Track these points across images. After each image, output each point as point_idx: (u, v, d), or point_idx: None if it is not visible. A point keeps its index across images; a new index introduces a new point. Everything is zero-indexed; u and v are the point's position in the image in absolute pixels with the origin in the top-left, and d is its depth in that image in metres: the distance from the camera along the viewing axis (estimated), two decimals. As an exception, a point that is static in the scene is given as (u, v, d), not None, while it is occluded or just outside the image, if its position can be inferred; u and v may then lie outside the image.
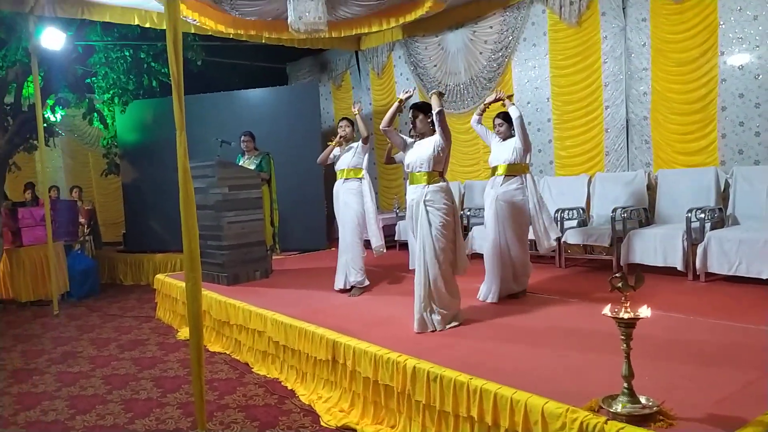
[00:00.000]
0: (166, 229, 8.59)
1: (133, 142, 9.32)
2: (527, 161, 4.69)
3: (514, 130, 4.60)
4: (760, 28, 5.09)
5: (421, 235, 3.86)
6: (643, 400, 2.34)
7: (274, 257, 6.90)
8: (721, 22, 5.31)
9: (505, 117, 4.70)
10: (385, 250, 5.28)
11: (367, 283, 5.24)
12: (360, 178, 5.22)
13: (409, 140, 4.14)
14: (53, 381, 4.49)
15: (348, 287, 5.20)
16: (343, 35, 7.80)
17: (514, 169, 4.61)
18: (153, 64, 9.00)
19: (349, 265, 5.18)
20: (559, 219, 5.86)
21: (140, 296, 7.73)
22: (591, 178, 6.32)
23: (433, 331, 3.80)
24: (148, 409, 3.79)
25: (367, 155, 5.29)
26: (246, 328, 4.73)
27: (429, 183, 3.88)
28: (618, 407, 2.31)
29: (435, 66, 8.29)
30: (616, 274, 2.42)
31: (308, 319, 4.17)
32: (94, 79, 9.17)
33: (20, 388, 4.37)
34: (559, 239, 5.78)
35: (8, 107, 7.99)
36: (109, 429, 3.52)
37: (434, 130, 3.94)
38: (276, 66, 11.35)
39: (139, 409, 3.81)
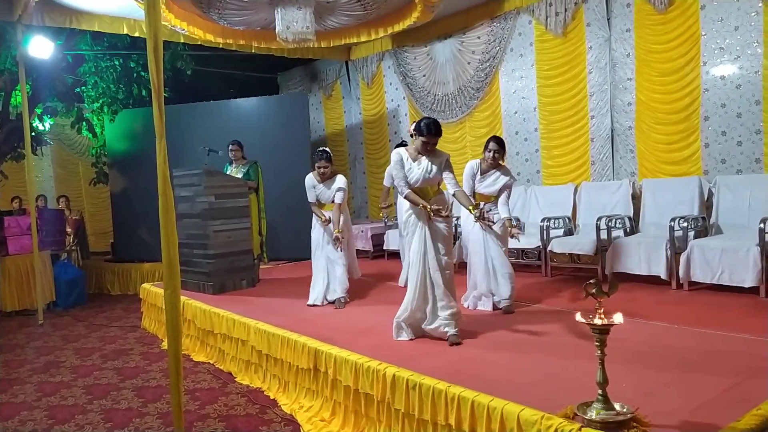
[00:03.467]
0: (154, 238, 8.45)
1: (122, 151, 9.30)
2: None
3: (503, 159, 4.66)
4: (741, 38, 5.16)
5: (422, 249, 3.76)
6: (617, 406, 2.34)
7: (261, 266, 6.89)
8: (704, 33, 5.38)
9: (499, 142, 4.61)
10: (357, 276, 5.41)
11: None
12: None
13: (405, 159, 3.89)
14: (34, 391, 4.43)
15: (329, 302, 5.16)
16: (332, 45, 7.85)
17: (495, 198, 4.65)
18: (142, 73, 9.02)
19: (335, 281, 5.15)
20: (545, 228, 5.88)
21: (127, 306, 7.68)
22: (577, 187, 6.35)
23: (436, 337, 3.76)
24: (128, 419, 3.75)
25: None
26: (230, 337, 4.70)
27: (433, 195, 3.85)
28: (592, 414, 2.31)
29: (424, 76, 8.33)
30: (591, 281, 2.43)
31: (292, 328, 4.15)
32: (83, 88, 9.18)
33: (-1, 398, 4.33)
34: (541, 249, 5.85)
35: (-4, 115, 7.98)
36: (87, 439, 3.49)
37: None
38: (267, 76, 11.39)
39: (118, 419, 3.77)
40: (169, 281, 3.11)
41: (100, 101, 9.11)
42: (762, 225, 4.42)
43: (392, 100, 9.01)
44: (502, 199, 4.55)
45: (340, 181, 5.14)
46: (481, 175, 4.63)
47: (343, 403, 3.46)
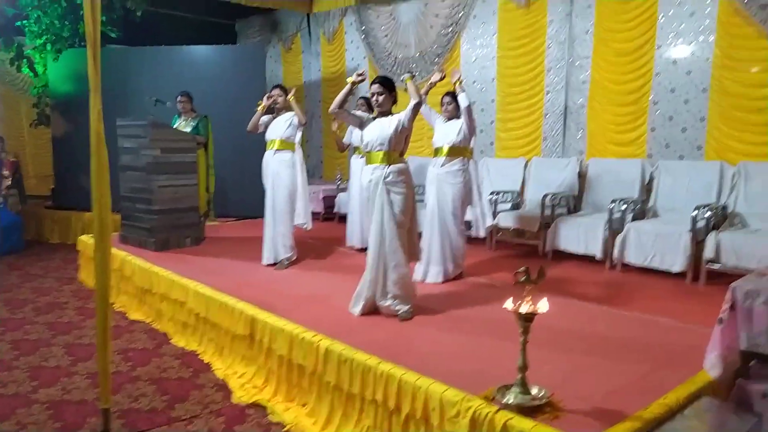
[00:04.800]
0: (98, 186, 8.23)
1: (66, 92, 8.81)
2: (471, 146, 4.71)
3: (461, 112, 4.62)
4: (695, 24, 5.22)
5: (379, 219, 3.67)
6: (534, 390, 2.42)
7: (208, 224, 6.76)
8: (661, 15, 5.41)
9: (454, 96, 4.67)
10: (310, 227, 5.22)
11: (294, 257, 5.19)
12: (292, 151, 5.10)
13: (366, 116, 3.91)
14: (-43, 345, 4.30)
15: (276, 262, 5.14)
16: (291, -5, 7.56)
17: (458, 152, 4.63)
18: (90, 11, 8.48)
19: (278, 240, 5.11)
20: (493, 201, 5.94)
21: (66, 256, 7.43)
22: (528, 162, 6.42)
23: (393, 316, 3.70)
24: (55, 378, 3.69)
25: (301, 131, 5.13)
26: (168, 297, 4.63)
27: (389, 163, 3.70)
28: (510, 398, 2.39)
29: (386, 36, 8.15)
30: (520, 269, 2.47)
31: (232, 292, 4.10)
32: (25, 22, 8.58)
33: None
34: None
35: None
36: (9, 398, 3.41)
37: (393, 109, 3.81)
38: (226, 22, 10.91)
39: (45, 377, 3.70)
40: (100, 244, 3.00)
41: (44, 38, 8.56)
42: (695, 212, 4.59)
43: (353, 59, 8.80)
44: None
45: (291, 115, 5.08)
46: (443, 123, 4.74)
47: (277, 371, 3.48)
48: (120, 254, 5.44)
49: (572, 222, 5.34)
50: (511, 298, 2.45)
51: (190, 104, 6.26)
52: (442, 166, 4.63)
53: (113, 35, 8.88)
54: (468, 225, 4.93)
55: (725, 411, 2.70)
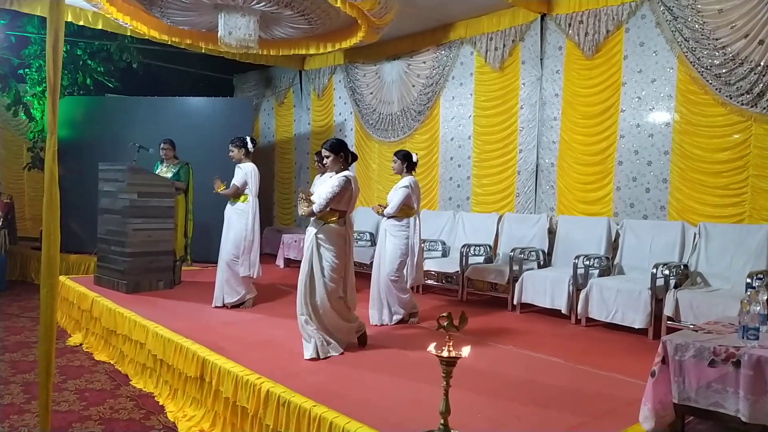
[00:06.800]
0: (83, 229, 8.36)
1: (60, 138, 9.04)
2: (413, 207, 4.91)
3: (405, 169, 4.95)
4: (656, 90, 5.44)
5: (309, 269, 3.90)
6: (456, 436, 2.45)
7: (187, 268, 6.84)
8: (624, 81, 5.65)
9: (398, 155, 5.00)
10: (255, 276, 5.31)
11: (241, 300, 5.31)
12: (245, 202, 5.29)
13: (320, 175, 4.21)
14: None
15: (224, 305, 5.27)
16: (281, 54, 7.89)
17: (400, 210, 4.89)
18: (89, 61, 8.89)
19: (224, 285, 5.24)
20: (464, 254, 6.03)
21: (45, 297, 7.46)
22: (501, 217, 6.53)
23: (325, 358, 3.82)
24: (6, 415, 3.68)
25: (255, 182, 5.33)
26: (130, 338, 4.66)
27: (325, 221, 3.92)
28: (430, 443, 2.41)
29: (371, 93, 8.46)
30: (443, 314, 2.54)
31: (191, 335, 4.15)
32: (27, 70, 8.97)
33: None
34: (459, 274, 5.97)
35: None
36: (-48, 434, 3.41)
37: (344, 169, 4.02)
38: (224, 76, 11.35)
39: (-6, 414, 3.70)
40: (47, 280, 3.10)
41: (43, 86, 8.92)
42: (654, 270, 4.65)
43: (340, 114, 9.10)
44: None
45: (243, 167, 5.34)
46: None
47: (222, 414, 3.49)
48: (90, 295, 5.51)
49: (539, 276, 5.40)
50: (434, 343, 2.50)
51: (172, 151, 6.47)
52: (386, 220, 4.94)
53: (111, 85, 9.27)
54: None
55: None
